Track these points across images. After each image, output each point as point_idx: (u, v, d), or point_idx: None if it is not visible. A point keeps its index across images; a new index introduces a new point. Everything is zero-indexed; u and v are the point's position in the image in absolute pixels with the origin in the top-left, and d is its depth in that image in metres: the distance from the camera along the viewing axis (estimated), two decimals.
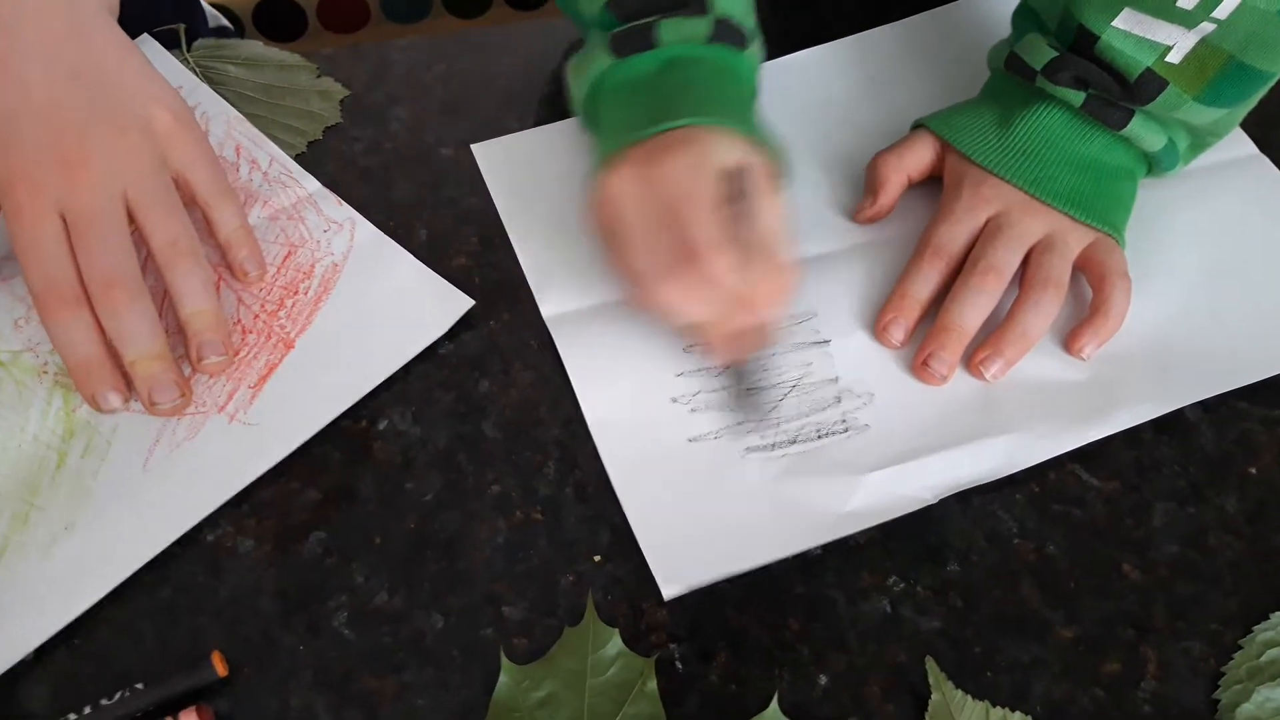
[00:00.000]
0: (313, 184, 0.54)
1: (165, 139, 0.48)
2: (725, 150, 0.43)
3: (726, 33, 0.48)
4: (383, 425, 0.47)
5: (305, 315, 0.50)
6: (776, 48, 0.60)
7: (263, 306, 0.50)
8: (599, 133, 0.49)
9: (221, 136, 0.55)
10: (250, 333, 0.49)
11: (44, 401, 0.47)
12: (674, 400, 0.47)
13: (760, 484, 0.45)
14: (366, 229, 0.52)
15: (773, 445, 0.46)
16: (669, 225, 0.42)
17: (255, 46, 0.59)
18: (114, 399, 0.46)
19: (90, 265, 0.44)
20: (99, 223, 0.45)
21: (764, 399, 0.47)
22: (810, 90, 0.58)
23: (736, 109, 0.47)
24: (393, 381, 0.48)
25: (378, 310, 0.50)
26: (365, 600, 0.43)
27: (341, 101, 0.58)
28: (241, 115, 0.56)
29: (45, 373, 0.48)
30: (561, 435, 0.47)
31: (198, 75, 0.57)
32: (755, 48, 0.50)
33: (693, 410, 0.47)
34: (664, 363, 0.48)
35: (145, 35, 0.58)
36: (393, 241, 0.52)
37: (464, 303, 0.50)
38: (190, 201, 0.49)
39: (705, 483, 0.45)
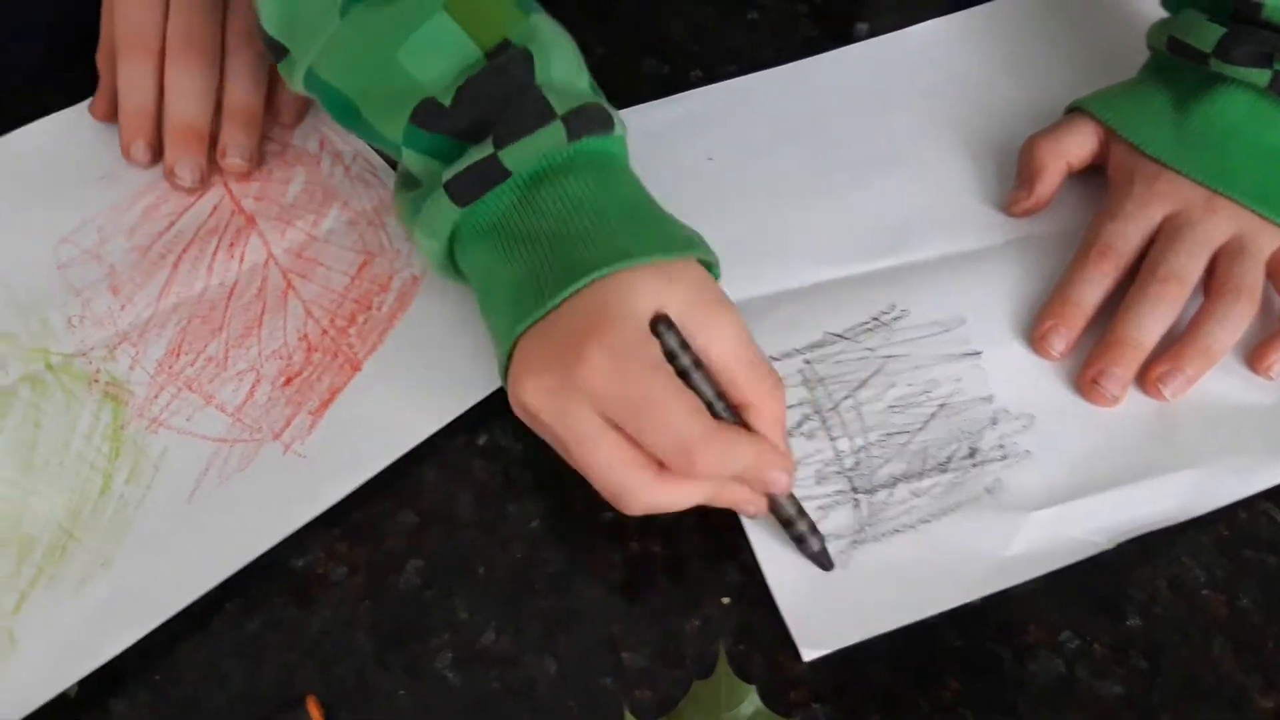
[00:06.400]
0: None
1: None
2: (645, 301, 0.36)
3: (585, 124, 0.39)
4: (482, 441, 0.43)
5: (377, 334, 0.45)
6: (903, 17, 0.54)
7: (331, 321, 0.45)
8: (482, 294, 0.40)
9: (307, 127, 0.51)
10: (316, 350, 0.45)
11: (92, 415, 0.43)
12: (801, 423, 0.42)
13: (908, 521, 0.40)
14: None
15: (921, 473, 0.41)
16: (623, 430, 0.35)
17: None
18: (142, 150, 0.48)
19: (178, 18, 0.47)
20: None
21: (816, 540, 0.38)
22: (939, 65, 0.53)
23: (636, 220, 0.38)
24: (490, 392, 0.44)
25: (457, 332, 0.44)
26: (470, 640, 0.39)
27: None
28: None
29: (96, 381, 0.44)
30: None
31: None
32: (616, 119, 0.40)
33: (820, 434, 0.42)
34: (790, 380, 0.43)
35: None
36: None
37: None
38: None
39: (845, 520, 0.40)
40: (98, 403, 0.44)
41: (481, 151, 0.38)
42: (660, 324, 0.35)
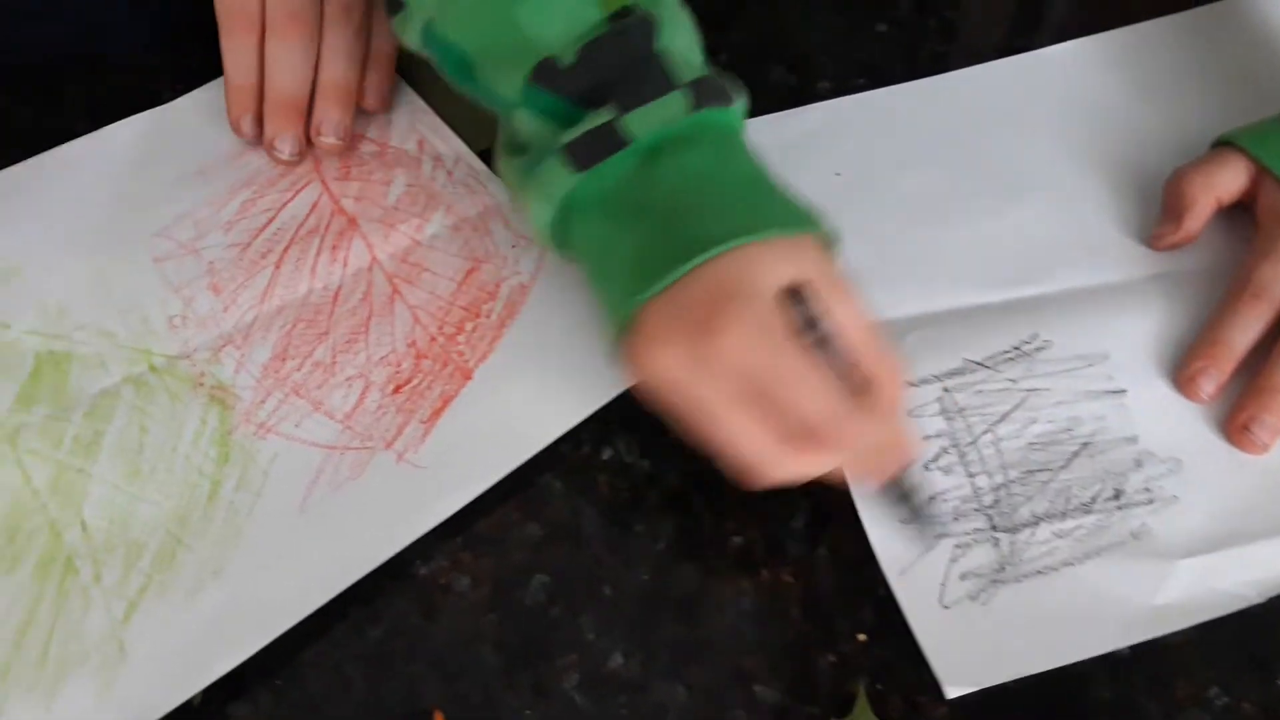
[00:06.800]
0: (503, 193, 0.48)
1: None
2: (773, 275, 0.35)
3: (706, 95, 0.38)
4: (606, 455, 0.42)
5: (487, 342, 0.44)
6: (1039, 37, 0.53)
7: (440, 328, 0.45)
8: (594, 266, 0.39)
9: (405, 128, 0.50)
10: (425, 358, 0.44)
11: (198, 419, 0.42)
12: (938, 457, 0.41)
13: (1051, 563, 0.38)
14: None
15: (1064, 514, 0.40)
16: (758, 403, 0.35)
17: None
18: (249, 124, 0.49)
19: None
20: None
21: (932, 510, 0.39)
22: (1077, 88, 0.51)
23: (756, 195, 0.38)
24: (615, 404, 0.43)
25: (568, 341, 0.44)
26: (598, 662, 0.38)
27: None
28: (427, 106, 0.51)
29: (201, 384, 0.43)
30: (811, 483, 0.41)
31: None
32: (737, 92, 0.40)
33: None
34: (928, 409, 0.42)
35: None
36: None
37: None
38: None
39: (985, 559, 0.39)
40: (204, 406, 0.43)
41: (602, 116, 0.38)
42: (796, 296, 0.35)
